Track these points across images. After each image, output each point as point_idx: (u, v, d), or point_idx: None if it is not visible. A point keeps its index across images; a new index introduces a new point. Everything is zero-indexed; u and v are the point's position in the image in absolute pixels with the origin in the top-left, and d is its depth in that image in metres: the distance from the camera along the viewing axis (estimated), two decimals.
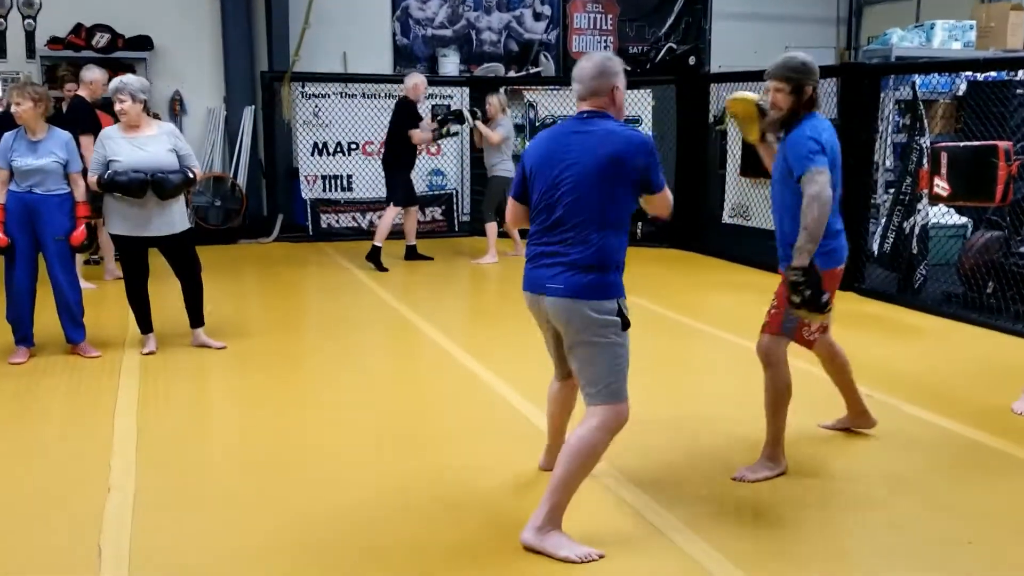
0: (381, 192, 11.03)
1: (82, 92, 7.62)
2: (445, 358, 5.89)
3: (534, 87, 11.63)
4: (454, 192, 11.69)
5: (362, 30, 11.92)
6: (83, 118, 7.26)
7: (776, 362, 3.90)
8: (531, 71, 12.40)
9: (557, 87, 11.54)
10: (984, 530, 3.49)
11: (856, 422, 4.44)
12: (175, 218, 5.67)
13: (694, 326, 6.85)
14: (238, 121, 11.15)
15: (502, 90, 10.12)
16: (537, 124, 11.22)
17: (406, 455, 4.22)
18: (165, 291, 6.44)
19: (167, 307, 6.30)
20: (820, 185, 3.61)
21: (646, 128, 10.38)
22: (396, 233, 9.30)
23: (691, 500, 3.73)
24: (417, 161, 9.46)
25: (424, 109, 10.06)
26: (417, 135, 8.96)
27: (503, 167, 9.40)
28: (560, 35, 12.81)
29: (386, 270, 8.93)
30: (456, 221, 11.68)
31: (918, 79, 7.92)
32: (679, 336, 6.62)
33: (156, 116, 10.33)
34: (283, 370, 5.68)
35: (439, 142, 10.47)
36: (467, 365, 5.66)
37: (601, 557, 3.22)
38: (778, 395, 3.91)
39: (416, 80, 9.16)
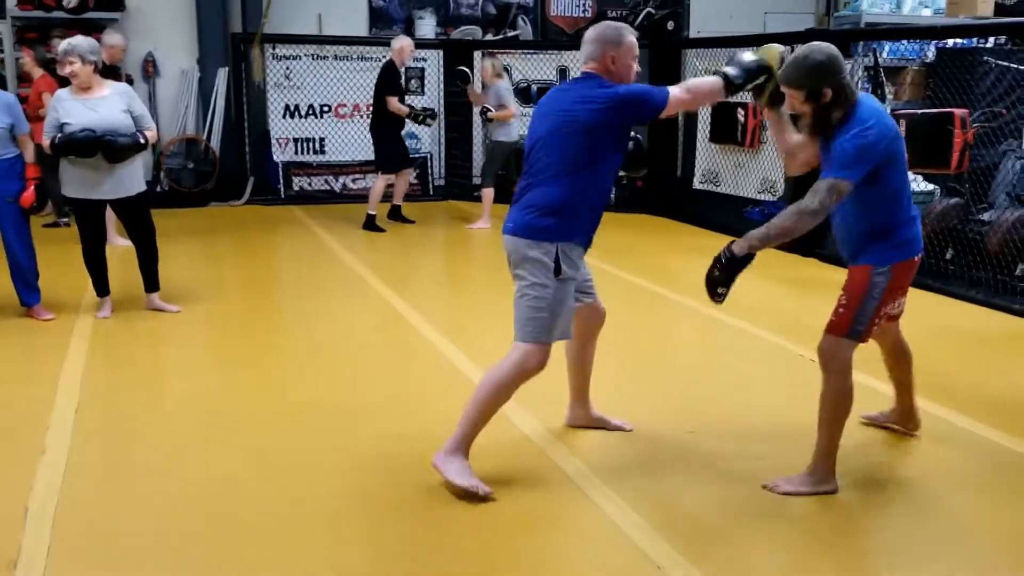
0: (353, 155, 11.10)
1: (103, 56, 7.57)
2: (401, 322, 5.91)
3: (510, 51, 11.54)
4: (428, 156, 11.66)
5: None
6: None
7: (838, 369, 3.45)
8: (508, 35, 12.31)
9: (534, 51, 11.47)
10: (947, 497, 3.55)
11: (901, 421, 4.08)
12: (127, 181, 5.66)
13: (654, 290, 6.87)
14: (212, 83, 11.06)
15: (493, 53, 10.05)
16: (512, 88, 11.12)
17: (350, 422, 4.23)
18: (127, 254, 6.44)
19: (128, 271, 6.29)
20: (821, 204, 3.28)
21: None
22: (385, 196, 9.28)
23: (615, 456, 3.79)
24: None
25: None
26: (394, 104, 8.86)
27: (503, 132, 9.35)
28: None
29: (383, 231, 8.96)
30: (430, 185, 11.66)
31: (887, 46, 7.88)
32: (639, 301, 6.64)
33: (129, 78, 10.31)
34: (236, 336, 5.69)
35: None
36: (423, 331, 5.69)
37: (487, 494, 3.34)
38: (835, 406, 3.47)
39: (403, 43, 9.05)
